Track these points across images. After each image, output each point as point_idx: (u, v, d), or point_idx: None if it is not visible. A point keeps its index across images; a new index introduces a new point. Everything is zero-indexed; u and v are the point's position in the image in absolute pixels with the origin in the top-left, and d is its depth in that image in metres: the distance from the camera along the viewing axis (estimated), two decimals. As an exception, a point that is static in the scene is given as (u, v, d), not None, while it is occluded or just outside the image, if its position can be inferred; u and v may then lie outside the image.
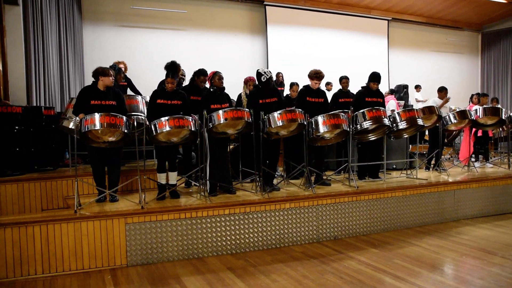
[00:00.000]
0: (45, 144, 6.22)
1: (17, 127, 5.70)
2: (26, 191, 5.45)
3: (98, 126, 4.62)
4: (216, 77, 5.48)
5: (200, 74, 5.96)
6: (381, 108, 6.11)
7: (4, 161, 5.54)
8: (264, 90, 5.64)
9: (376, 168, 6.61)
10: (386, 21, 13.96)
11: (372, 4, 13.27)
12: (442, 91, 8.36)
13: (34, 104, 7.27)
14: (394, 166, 7.71)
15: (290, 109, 5.56)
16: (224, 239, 4.93)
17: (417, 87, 13.24)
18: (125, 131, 4.74)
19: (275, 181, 5.99)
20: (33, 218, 4.48)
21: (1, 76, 6.97)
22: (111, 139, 4.94)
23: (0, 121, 5.54)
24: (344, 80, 6.97)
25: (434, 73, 14.73)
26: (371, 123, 5.98)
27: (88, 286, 4.06)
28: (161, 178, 5.31)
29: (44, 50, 7.78)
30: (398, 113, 6.38)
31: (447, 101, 8.43)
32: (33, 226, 4.32)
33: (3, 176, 5.44)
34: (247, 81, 6.45)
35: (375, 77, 6.43)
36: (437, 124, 7.20)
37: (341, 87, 6.99)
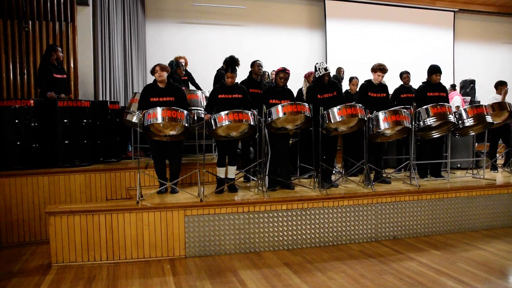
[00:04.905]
0: (110, 137, 6.50)
1: (85, 121, 6.00)
2: (93, 181, 5.73)
3: (160, 120, 4.76)
4: (280, 74, 5.45)
5: (253, 63, 6.05)
6: (446, 104, 5.83)
7: (74, 152, 5.85)
8: (322, 84, 5.56)
9: (438, 167, 6.32)
10: (452, 13, 13.27)
11: (437, -5, 12.71)
12: (502, 85, 7.70)
13: (100, 99, 7.64)
14: (459, 165, 7.33)
15: (350, 104, 5.44)
16: (281, 234, 4.92)
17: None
18: (186, 125, 4.85)
19: (333, 178, 5.90)
20: (99, 207, 4.70)
21: (72, 72, 7.38)
22: (172, 132, 5.07)
23: (71, 115, 5.86)
24: (405, 75, 6.71)
25: (506, 67, 13.82)
26: (435, 119, 5.73)
27: (148, 275, 4.21)
28: (220, 172, 5.38)
29: (110, 47, 8.14)
30: (464, 109, 6.06)
31: (506, 92, 7.76)
32: (99, 214, 4.55)
33: (72, 166, 5.75)
34: (308, 76, 6.38)
35: (434, 69, 6.14)
36: (508, 122, 6.75)
37: (402, 83, 6.75)
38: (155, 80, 5.23)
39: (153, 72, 5.23)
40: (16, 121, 5.59)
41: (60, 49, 6.48)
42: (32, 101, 5.73)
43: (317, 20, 12.12)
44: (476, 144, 7.55)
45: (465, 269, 4.21)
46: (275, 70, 5.70)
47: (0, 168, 5.50)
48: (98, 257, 4.54)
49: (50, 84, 6.15)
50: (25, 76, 7.17)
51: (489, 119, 5.99)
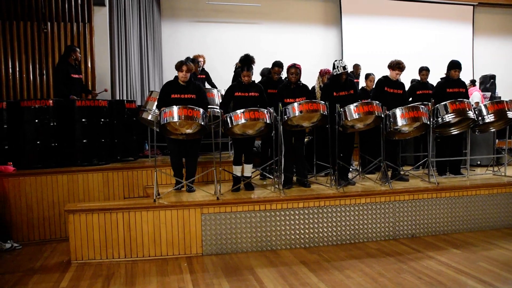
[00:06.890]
0: (127, 135, 6.56)
1: (102, 120, 6.06)
2: (110, 180, 5.78)
3: (176, 118, 4.78)
4: (291, 70, 5.41)
5: (274, 65, 5.91)
6: (465, 100, 5.73)
7: (92, 151, 5.92)
8: (338, 82, 5.51)
9: (457, 164, 6.21)
10: (472, 7, 13.03)
11: (455, -10, 12.48)
12: None
13: (117, 98, 7.72)
14: (479, 162, 7.19)
15: (367, 101, 5.39)
16: (298, 232, 4.91)
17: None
18: (202, 123, 4.86)
19: (350, 175, 5.85)
20: (117, 205, 4.76)
21: (89, 72, 7.48)
22: (188, 131, 5.09)
23: (89, 114, 5.94)
24: (424, 71, 6.62)
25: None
26: (453, 116, 5.63)
27: (165, 272, 4.24)
28: (237, 170, 5.38)
29: (127, 47, 8.21)
30: (485, 105, 5.94)
31: None
32: (117, 212, 4.59)
33: (91, 165, 5.83)
34: (324, 74, 6.30)
35: (454, 64, 6.04)
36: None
37: (419, 79, 6.66)
38: (176, 77, 5.23)
39: (178, 67, 5.15)
40: (36, 120, 5.69)
41: (78, 49, 6.61)
42: (51, 101, 5.82)
43: (332, 16, 12.03)
44: (497, 140, 7.40)
45: (486, 268, 4.13)
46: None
47: (21, 167, 5.61)
48: (116, 255, 4.59)
49: (68, 83, 6.25)
50: (44, 76, 7.30)
51: (510, 115, 5.86)
